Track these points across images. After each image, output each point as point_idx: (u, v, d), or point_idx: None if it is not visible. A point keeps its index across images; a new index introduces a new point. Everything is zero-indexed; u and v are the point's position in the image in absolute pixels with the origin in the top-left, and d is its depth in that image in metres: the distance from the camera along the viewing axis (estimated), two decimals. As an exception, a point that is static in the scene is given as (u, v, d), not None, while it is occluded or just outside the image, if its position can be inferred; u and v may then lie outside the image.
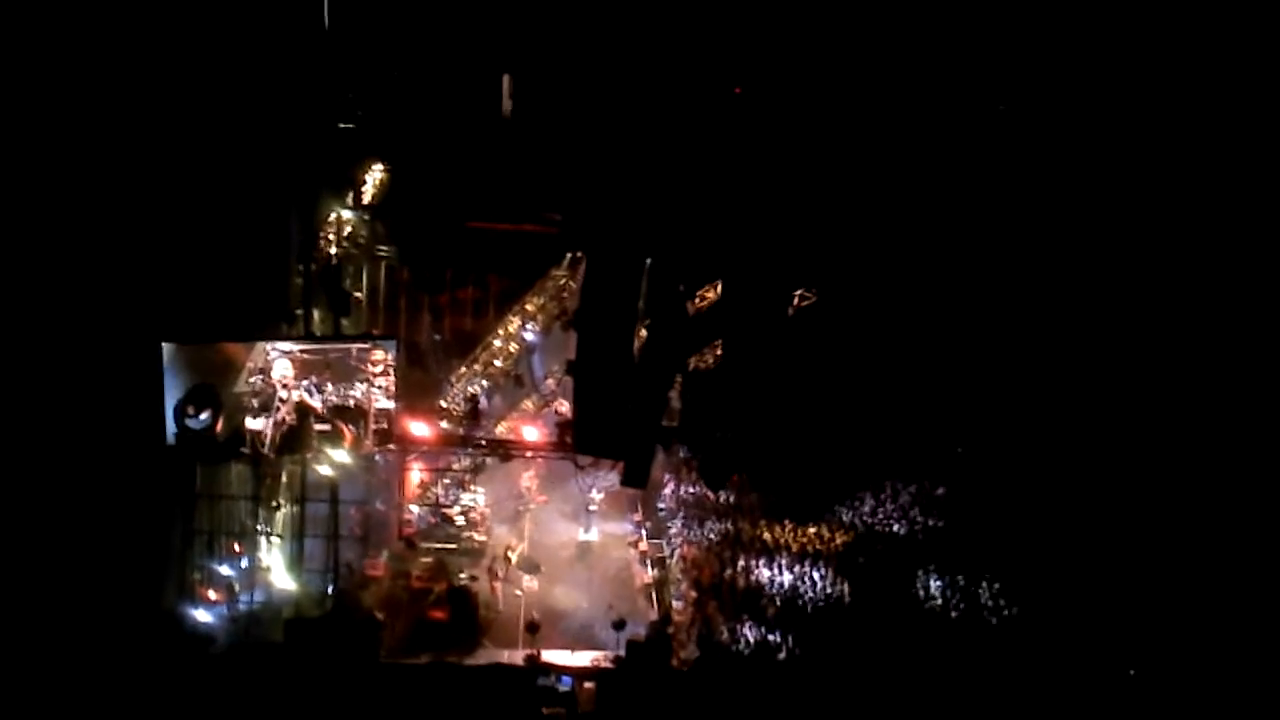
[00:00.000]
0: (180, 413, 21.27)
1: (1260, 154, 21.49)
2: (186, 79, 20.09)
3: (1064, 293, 24.24)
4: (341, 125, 23.44)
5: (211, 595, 22.76)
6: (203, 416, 21.64)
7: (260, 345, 22.28)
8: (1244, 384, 22.90)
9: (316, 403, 22.43)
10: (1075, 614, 22.38)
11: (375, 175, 25.08)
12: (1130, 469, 24.58)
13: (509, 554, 25.12)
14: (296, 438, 22.52)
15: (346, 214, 24.94)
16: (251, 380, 22.40)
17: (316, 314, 24.12)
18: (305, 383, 22.52)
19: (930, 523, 26.45)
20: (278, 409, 22.27)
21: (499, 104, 24.14)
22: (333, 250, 24.41)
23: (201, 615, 22.24)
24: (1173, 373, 23.65)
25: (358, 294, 25.91)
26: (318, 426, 22.59)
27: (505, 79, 24.27)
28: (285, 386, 22.35)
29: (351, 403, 22.76)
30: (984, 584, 23.63)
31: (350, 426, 22.84)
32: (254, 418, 22.26)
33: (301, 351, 22.57)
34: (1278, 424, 22.17)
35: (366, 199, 25.15)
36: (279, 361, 22.31)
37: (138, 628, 19.90)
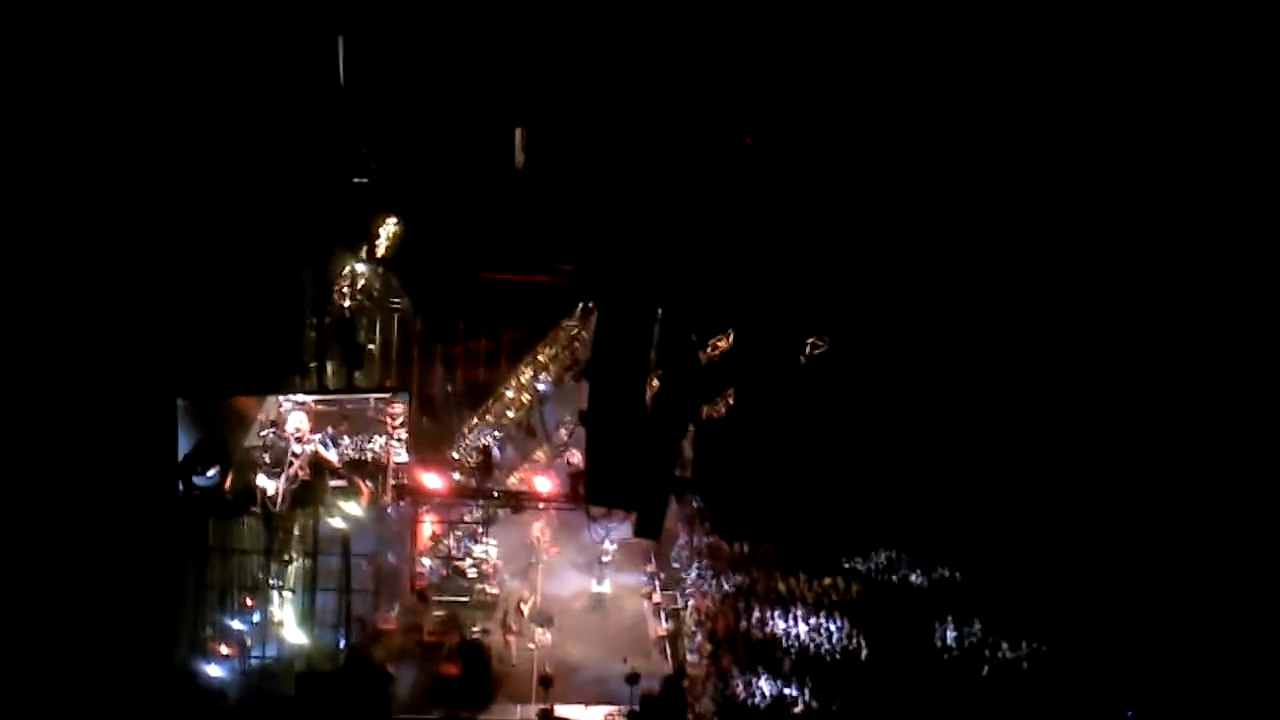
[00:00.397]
0: (188, 469, 20.88)
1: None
2: (203, 132, 20.36)
3: (1081, 346, 24.24)
4: (356, 180, 23.72)
5: (223, 649, 22.61)
6: (210, 473, 21.20)
7: (272, 398, 22.25)
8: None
9: (333, 456, 22.34)
10: (1093, 667, 22.12)
11: (389, 229, 25.32)
12: (1146, 525, 24.44)
13: (521, 606, 24.94)
14: (310, 492, 22.38)
15: (360, 267, 25.15)
16: (264, 434, 22.30)
17: (330, 367, 24.23)
18: (320, 436, 22.43)
19: (947, 573, 26.20)
20: (290, 463, 22.04)
21: (511, 157, 24.44)
22: (346, 303, 24.58)
23: (213, 670, 22.08)
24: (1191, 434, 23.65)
25: (371, 346, 26.03)
26: (333, 482, 22.48)
27: (518, 132, 24.58)
28: (300, 440, 22.20)
29: (369, 456, 22.67)
30: (1001, 636, 23.33)
31: (367, 482, 22.80)
32: (266, 474, 21.96)
33: (316, 403, 22.54)
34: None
35: (380, 252, 25.38)
36: (294, 414, 22.23)
37: (150, 682, 19.78)
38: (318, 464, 22.38)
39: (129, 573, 19.65)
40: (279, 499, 22.04)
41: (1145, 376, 24.08)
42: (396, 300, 26.75)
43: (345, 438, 22.73)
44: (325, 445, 22.36)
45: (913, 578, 26.19)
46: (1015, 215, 22.01)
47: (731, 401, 15.48)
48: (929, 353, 24.74)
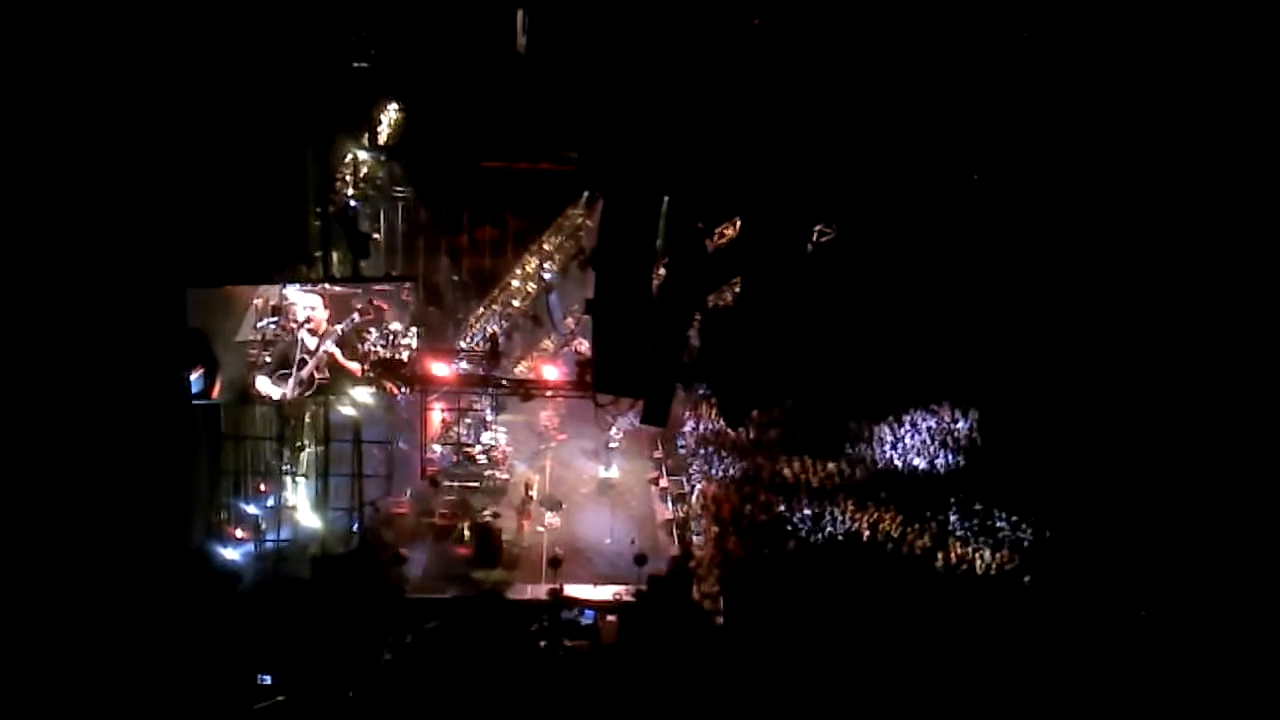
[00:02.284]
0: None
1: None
2: (199, 19, 19.86)
3: (1093, 228, 23.96)
4: (355, 65, 23.21)
5: (238, 534, 23.16)
6: (194, 377, 19.65)
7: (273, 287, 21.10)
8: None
9: (354, 366, 21.40)
10: (1096, 550, 22.48)
11: (391, 115, 24.91)
12: (1157, 404, 24.55)
13: (530, 491, 25.40)
14: (325, 389, 21.71)
15: (363, 155, 24.85)
16: (262, 325, 20.60)
17: (335, 256, 24.16)
18: (342, 325, 20.95)
19: (951, 457, 26.55)
20: (303, 361, 20.83)
21: (514, 40, 23.83)
22: (350, 192, 24.37)
23: (229, 553, 22.66)
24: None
25: (376, 235, 25.90)
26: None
27: (520, 14, 23.92)
28: (314, 332, 20.89)
29: (396, 353, 21.83)
30: (1005, 518, 23.73)
31: (399, 386, 22.43)
32: (269, 377, 20.34)
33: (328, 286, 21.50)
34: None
35: (382, 140, 25.03)
36: (302, 298, 20.77)
37: (165, 565, 20.26)
38: (335, 367, 21.31)
39: (143, 460, 19.94)
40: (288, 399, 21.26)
41: (1154, 249, 23.88)
42: (401, 189, 26.51)
43: (372, 329, 21.32)
44: (346, 345, 20.98)
45: (917, 462, 26.57)
46: (1028, 104, 21.55)
47: (738, 289, 15.41)
48: (937, 238, 24.54)
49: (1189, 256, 23.56)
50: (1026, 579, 22.35)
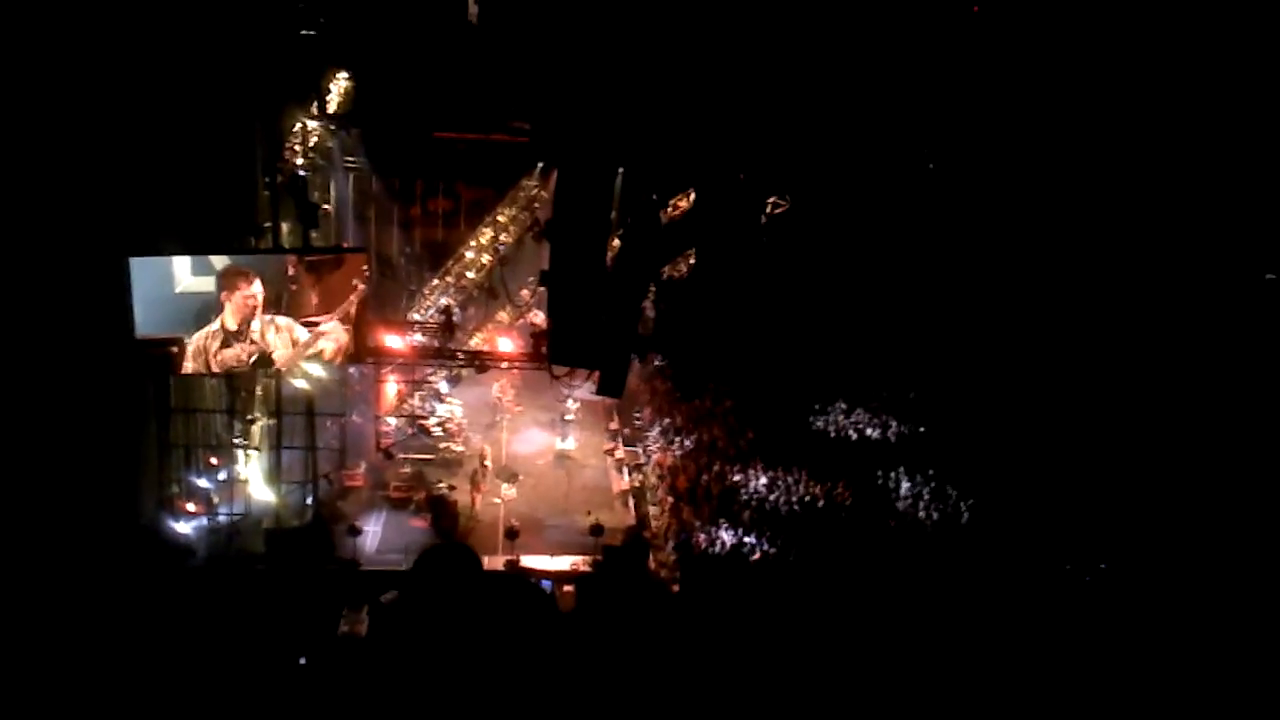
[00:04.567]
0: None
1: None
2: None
3: (1048, 200, 24.37)
4: (303, 33, 22.81)
5: (190, 507, 22.91)
6: None
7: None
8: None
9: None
10: (1048, 511, 22.96)
11: (340, 84, 24.56)
12: (1100, 371, 25.07)
13: (485, 463, 25.39)
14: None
15: (312, 124, 24.49)
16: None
17: (285, 226, 23.83)
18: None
19: (901, 426, 26.95)
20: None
21: (465, 9, 23.55)
22: (299, 161, 24.02)
23: (181, 528, 22.43)
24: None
25: (326, 206, 25.58)
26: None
27: (471, -18, 23.64)
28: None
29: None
30: (953, 484, 24.16)
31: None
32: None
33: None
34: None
35: (332, 109, 24.69)
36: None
37: (116, 540, 20.03)
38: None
39: (88, 433, 19.64)
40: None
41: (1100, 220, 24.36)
42: (352, 159, 26.18)
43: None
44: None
45: (869, 431, 26.94)
46: (982, 81, 21.78)
47: (693, 260, 15.45)
48: (889, 209, 24.78)
49: (1130, 221, 24.05)
50: (976, 543, 22.81)
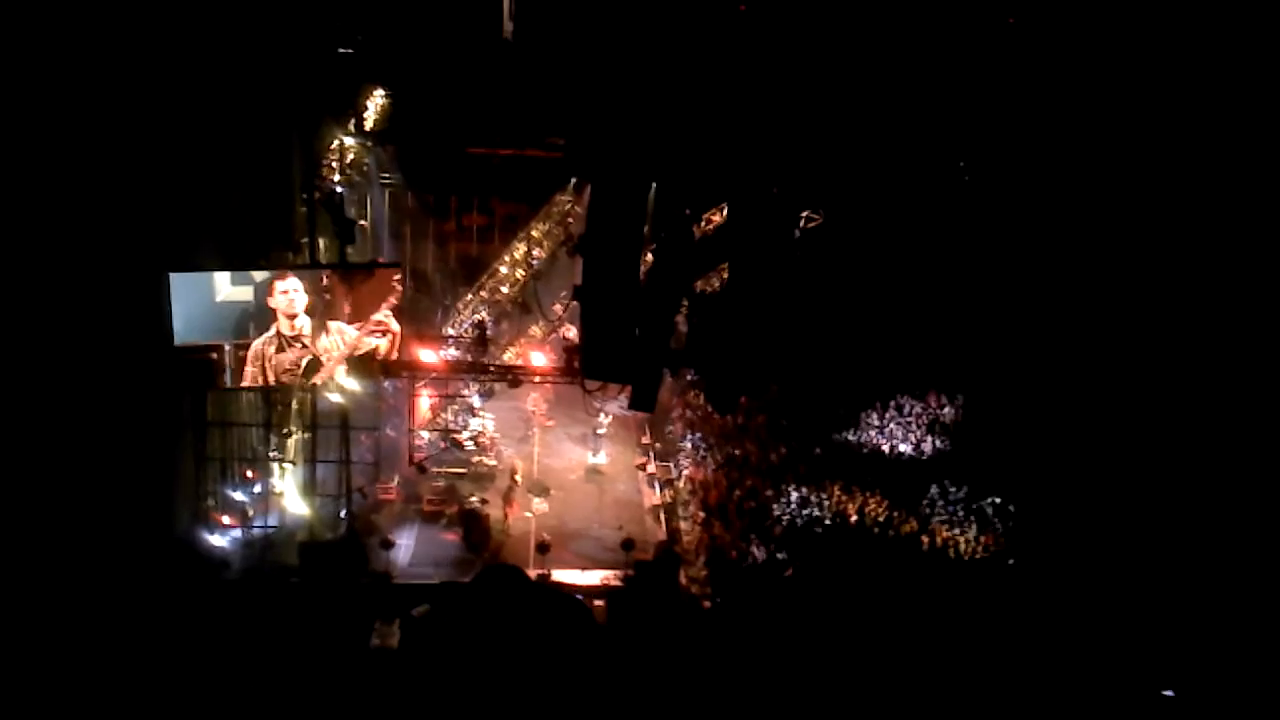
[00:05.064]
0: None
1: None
2: (186, 6, 19.74)
3: (1077, 216, 24.16)
4: (341, 51, 23.12)
5: (226, 520, 23.13)
6: None
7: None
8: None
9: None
10: (1082, 530, 22.67)
11: (377, 101, 24.83)
12: (1138, 390, 24.77)
13: (515, 477, 25.44)
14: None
15: (349, 141, 24.77)
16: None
17: (321, 242, 24.09)
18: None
19: (936, 441, 26.72)
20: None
21: (500, 27, 23.79)
22: (336, 178, 24.28)
23: (216, 540, 22.63)
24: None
25: (362, 222, 25.83)
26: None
27: (506, 0, 23.88)
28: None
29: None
30: (989, 501, 23.91)
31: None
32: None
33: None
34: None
35: (369, 126, 24.96)
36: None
37: (151, 552, 20.21)
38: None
39: (126, 446, 19.87)
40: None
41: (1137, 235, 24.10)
42: (387, 175, 26.44)
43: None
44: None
45: (902, 446, 26.73)
46: (1013, 91, 21.69)
47: (726, 275, 15.49)
48: (923, 223, 24.66)
49: (1168, 240, 23.77)
50: (1010, 561, 22.55)
